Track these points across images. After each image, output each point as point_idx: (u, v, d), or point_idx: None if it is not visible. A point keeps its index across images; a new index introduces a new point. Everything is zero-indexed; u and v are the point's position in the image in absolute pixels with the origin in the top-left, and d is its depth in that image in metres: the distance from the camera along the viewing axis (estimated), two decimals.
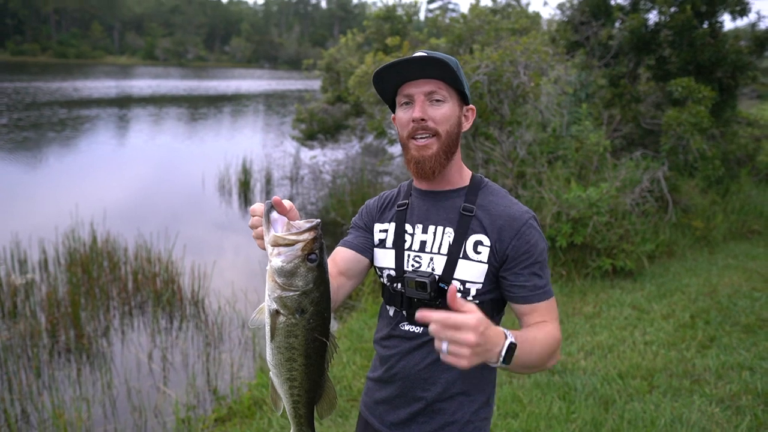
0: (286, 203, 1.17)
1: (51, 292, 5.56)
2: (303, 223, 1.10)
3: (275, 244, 1.08)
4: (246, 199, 11.07)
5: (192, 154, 15.35)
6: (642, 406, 3.44)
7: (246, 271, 7.17)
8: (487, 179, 1.52)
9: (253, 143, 15.49)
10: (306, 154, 12.74)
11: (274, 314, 1.11)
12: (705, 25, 7.70)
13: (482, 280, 1.39)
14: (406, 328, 1.46)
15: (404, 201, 1.53)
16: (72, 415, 3.90)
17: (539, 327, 1.36)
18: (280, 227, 1.10)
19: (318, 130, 11.76)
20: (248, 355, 5.01)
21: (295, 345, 1.11)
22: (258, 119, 24.57)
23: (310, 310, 1.09)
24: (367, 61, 7.63)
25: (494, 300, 1.44)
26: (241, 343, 5.22)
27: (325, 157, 12.87)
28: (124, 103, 27.13)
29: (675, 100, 7.20)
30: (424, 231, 1.45)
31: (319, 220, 1.12)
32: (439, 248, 1.42)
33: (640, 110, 8.11)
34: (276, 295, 1.09)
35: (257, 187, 11.56)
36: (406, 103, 1.42)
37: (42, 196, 10.42)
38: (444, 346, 1.03)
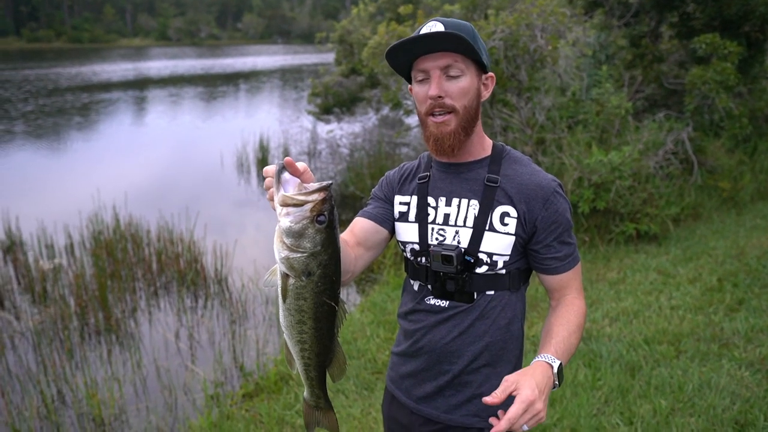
0: (300, 165, 1.14)
1: (78, 276, 5.67)
2: (314, 185, 1.08)
3: (284, 204, 1.06)
4: (264, 176, 11.09)
5: (209, 133, 15.39)
6: (669, 372, 3.40)
7: (268, 248, 7.19)
8: (508, 147, 1.49)
9: (270, 120, 15.46)
10: (323, 129, 12.67)
11: (284, 276, 1.11)
12: None
13: (509, 252, 1.39)
14: (432, 302, 1.44)
15: (425, 173, 1.49)
16: (105, 395, 4.00)
17: (569, 310, 1.40)
18: (291, 188, 1.08)
19: (334, 104, 11.67)
20: (273, 331, 5.06)
21: (304, 308, 1.10)
22: (273, 95, 24.49)
23: (318, 273, 1.08)
24: (380, 31, 7.50)
25: (521, 270, 1.45)
26: (265, 319, 5.28)
27: (342, 131, 12.79)
28: (142, 85, 27.25)
29: (699, 58, 6.95)
30: (448, 204, 1.42)
31: (330, 182, 1.09)
32: (465, 221, 1.39)
33: (662, 70, 7.86)
34: (284, 255, 1.07)
35: (275, 163, 11.55)
36: (423, 79, 1.37)
37: (64, 181, 10.58)
38: (525, 428, 1.12)
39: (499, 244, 1.37)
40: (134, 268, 6.14)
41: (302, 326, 1.14)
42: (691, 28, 7.42)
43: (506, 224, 1.37)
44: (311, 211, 1.05)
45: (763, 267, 4.90)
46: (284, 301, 1.13)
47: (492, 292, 1.41)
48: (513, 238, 1.37)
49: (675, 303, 4.38)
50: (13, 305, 5.54)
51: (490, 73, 1.43)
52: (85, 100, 21.17)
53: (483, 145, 1.46)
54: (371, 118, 12.74)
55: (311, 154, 12.17)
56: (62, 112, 18.40)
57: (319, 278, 1.09)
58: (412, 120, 10.98)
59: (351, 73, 11.15)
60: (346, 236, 1.48)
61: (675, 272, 5.01)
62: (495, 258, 1.38)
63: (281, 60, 44.67)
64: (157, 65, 38.74)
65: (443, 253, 1.35)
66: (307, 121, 13.15)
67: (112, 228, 6.76)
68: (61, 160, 12.87)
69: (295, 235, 1.05)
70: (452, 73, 1.33)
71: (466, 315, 1.41)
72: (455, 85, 1.34)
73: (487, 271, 1.39)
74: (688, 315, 4.15)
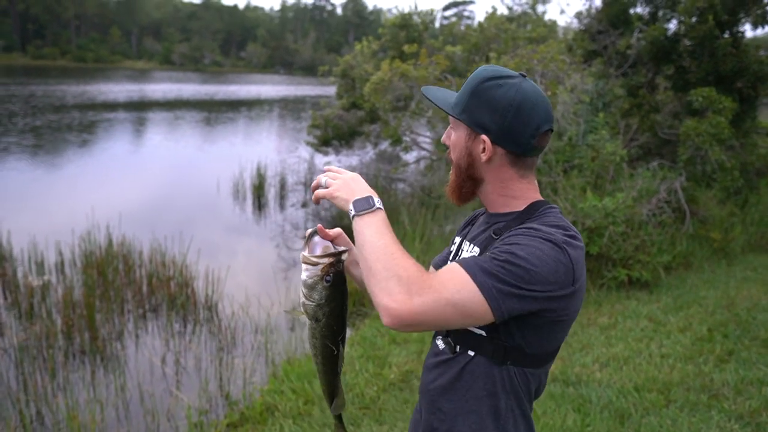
0: (334, 231, 1.39)
1: (67, 294, 5.61)
2: (331, 251, 1.32)
3: (303, 261, 1.30)
4: (259, 204, 11.12)
5: (207, 158, 15.47)
6: (658, 421, 3.38)
7: (259, 276, 7.19)
8: (549, 207, 1.30)
9: (268, 148, 15.58)
10: (320, 160, 12.78)
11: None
12: (726, 35, 7.62)
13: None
14: (437, 341, 1.38)
15: (476, 215, 1.49)
16: (86, 417, 3.92)
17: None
18: (318, 249, 1.33)
19: (333, 137, 11.80)
20: (261, 360, 5.01)
21: (315, 344, 1.36)
22: (273, 124, 24.72)
23: (323, 321, 1.31)
24: (384, 68, 7.65)
25: (508, 347, 1.22)
26: (254, 348, 5.23)
27: (340, 163, 12.88)
28: (147, 106, 27.46)
29: (694, 110, 7.12)
30: (460, 246, 1.42)
31: (342, 249, 1.32)
32: None
33: (657, 120, 8.04)
34: (302, 301, 1.33)
35: (271, 192, 11.61)
36: None
37: (60, 197, 10.56)
38: (323, 180, 1.33)
39: None
40: (124, 289, 6.09)
41: (315, 357, 1.39)
42: (687, 81, 7.62)
43: None
44: (321, 271, 1.27)
45: (754, 319, 4.93)
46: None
47: (472, 353, 1.26)
48: None
49: (665, 351, 4.38)
50: None
51: (483, 136, 1.26)
52: (92, 118, 21.31)
53: (522, 201, 1.31)
54: (369, 153, 12.88)
55: (308, 185, 12.22)
56: (69, 129, 18.55)
57: (324, 325, 1.32)
58: (410, 156, 11.10)
59: (351, 107, 11.32)
60: None
61: (666, 320, 5.02)
62: None
63: (283, 90, 45.22)
64: (162, 88, 39.09)
65: None
66: (305, 151, 13.26)
67: (104, 248, 6.72)
68: (58, 176, 12.87)
69: (308, 287, 1.29)
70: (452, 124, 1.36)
71: (448, 367, 1.31)
72: (452, 137, 1.35)
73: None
74: (678, 364, 4.15)
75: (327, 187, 1.32)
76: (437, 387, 1.33)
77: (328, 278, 1.27)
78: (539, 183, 6.49)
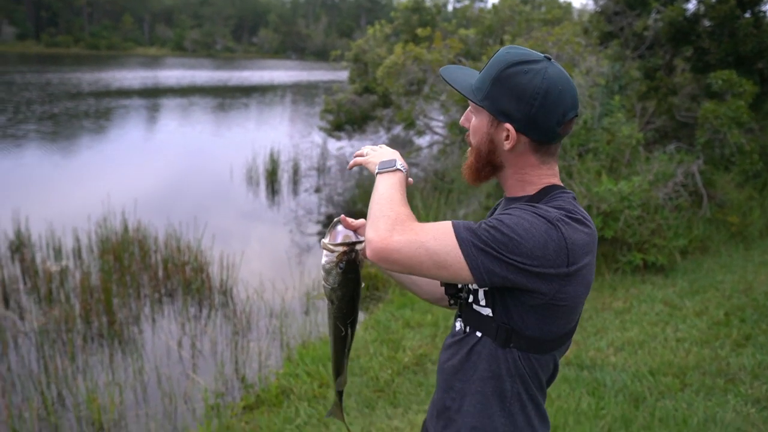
0: (358, 222, 1.43)
1: (84, 279, 5.69)
2: (351, 239, 1.41)
3: (324, 248, 1.39)
4: (273, 189, 11.16)
5: (221, 144, 15.52)
6: (674, 404, 3.37)
7: (273, 261, 7.24)
8: (561, 191, 1.28)
9: (281, 134, 15.58)
10: (333, 145, 12.76)
11: None
12: (747, 15, 7.45)
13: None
14: (456, 322, 1.39)
15: (498, 205, 1.45)
16: (105, 400, 3.99)
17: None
18: (339, 237, 1.41)
19: (345, 121, 11.76)
20: (276, 344, 5.05)
21: (329, 324, 1.47)
22: (286, 110, 24.71)
23: (336, 304, 1.42)
24: (397, 51, 7.60)
25: (511, 329, 1.22)
26: (268, 332, 5.27)
27: (353, 148, 12.84)
28: (162, 93, 27.55)
29: (713, 93, 6.99)
30: None
31: (358, 239, 1.39)
32: None
33: (674, 102, 7.91)
34: (322, 283, 1.44)
35: (284, 177, 11.63)
36: None
37: (76, 184, 10.67)
38: (365, 150, 1.43)
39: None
40: (140, 274, 6.16)
41: (330, 336, 1.50)
42: (706, 62, 7.47)
43: None
44: (336, 258, 1.37)
45: None
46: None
47: (479, 335, 1.27)
48: None
49: (681, 335, 4.36)
50: (18, 305, 5.56)
51: (506, 124, 1.22)
52: (108, 105, 21.46)
53: (533, 185, 1.29)
54: (382, 137, 12.82)
55: (321, 170, 12.24)
56: (87, 116, 18.72)
57: (337, 307, 1.42)
58: (423, 140, 11.05)
59: (364, 92, 11.27)
60: None
61: (681, 304, 4.98)
62: (479, 294, 1.28)
63: (295, 75, 45.13)
64: (176, 74, 39.16)
65: None
66: (318, 136, 13.25)
67: (120, 233, 6.80)
68: (75, 163, 13.00)
69: (326, 272, 1.40)
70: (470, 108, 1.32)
71: (460, 347, 1.32)
72: (472, 121, 1.31)
73: (474, 305, 1.29)
74: (694, 348, 4.12)
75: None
76: (450, 366, 1.34)
77: (341, 265, 1.36)
78: None
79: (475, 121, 1.29)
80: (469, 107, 1.31)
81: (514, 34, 7.58)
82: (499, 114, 1.23)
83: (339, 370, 1.54)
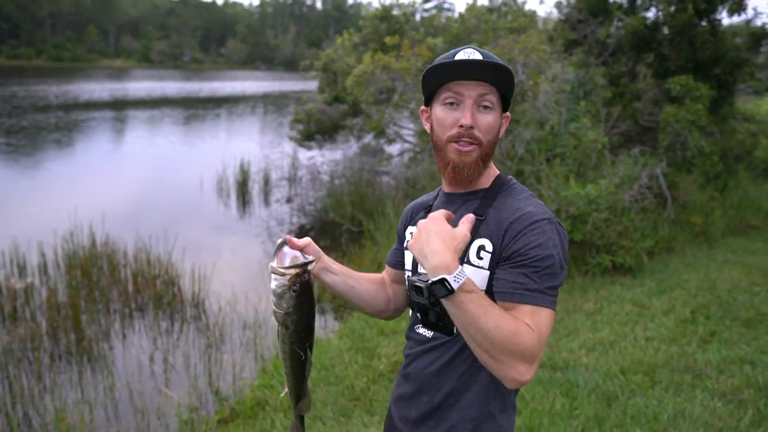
0: (303, 241, 1.41)
1: (51, 296, 5.55)
2: (300, 261, 1.35)
3: (272, 272, 1.34)
4: (244, 200, 11.06)
5: (190, 156, 15.33)
6: (644, 402, 3.44)
7: (246, 272, 7.17)
8: (514, 181, 1.43)
9: (251, 145, 15.46)
10: (304, 155, 12.72)
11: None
12: (704, 23, 7.72)
13: (484, 288, 1.30)
14: (420, 331, 1.44)
15: (430, 204, 1.51)
16: (74, 419, 3.89)
17: (509, 315, 1.20)
18: (287, 260, 1.37)
19: (316, 131, 11.74)
20: (250, 356, 5.00)
21: (284, 349, 1.41)
22: (255, 121, 24.55)
23: (291, 328, 1.36)
24: (366, 60, 7.63)
25: None
26: (242, 344, 5.22)
27: (323, 158, 12.85)
28: (131, 105, 27.12)
29: (673, 98, 7.22)
30: None
31: (309, 259, 1.35)
32: None
33: (637, 107, 8.13)
34: (273, 309, 1.37)
35: (255, 188, 11.55)
36: (452, 103, 1.34)
37: (41, 199, 10.40)
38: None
39: (474, 277, 1.26)
40: (109, 289, 6.04)
41: (284, 362, 1.44)
42: (666, 68, 7.72)
43: (481, 258, 1.32)
44: (288, 281, 1.32)
45: (734, 300, 5.03)
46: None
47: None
48: (487, 273, 1.31)
49: (650, 334, 4.46)
50: None
51: (508, 114, 1.41)
52: (78, 117, 21.04)
53: (487, 177, 1.42)
54: (352, 146, 12.84)
55: (292, 180, 12.18)
56: (57, 128, 18.37)
57: (292, 332, 1.37)
58: (393, 148, 11.09)
59: (334, 101, 11.27)
60: (384, 275, 1.66)
61: (650, 304, 5.10)
62: None
63: (265, 86, 44.89)
64: (145, 86, 38.60)
65: (415, 283, 1.25)
66: (289, 147, 13.20)
67: (87, 248, 6.65)
68: (40, 176, 12.67)
69: (277, 296, 1.33)
70: (485, 103, 1.33)
71: (446, 348, 1.37)
72: (485, 118, 1.33)
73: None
74: (662, 346, 4.22)
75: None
76: (433, 371, 1.40)
77: (294, 288, 1.32)
78: (523, 172, 6.57)
79: (491, 119, 1.35)
80: (473, 105, 1.33)
81: (481, 42, 7.69)
82: (506, 108, 1.40)
83: (300, 395, 1.47)
